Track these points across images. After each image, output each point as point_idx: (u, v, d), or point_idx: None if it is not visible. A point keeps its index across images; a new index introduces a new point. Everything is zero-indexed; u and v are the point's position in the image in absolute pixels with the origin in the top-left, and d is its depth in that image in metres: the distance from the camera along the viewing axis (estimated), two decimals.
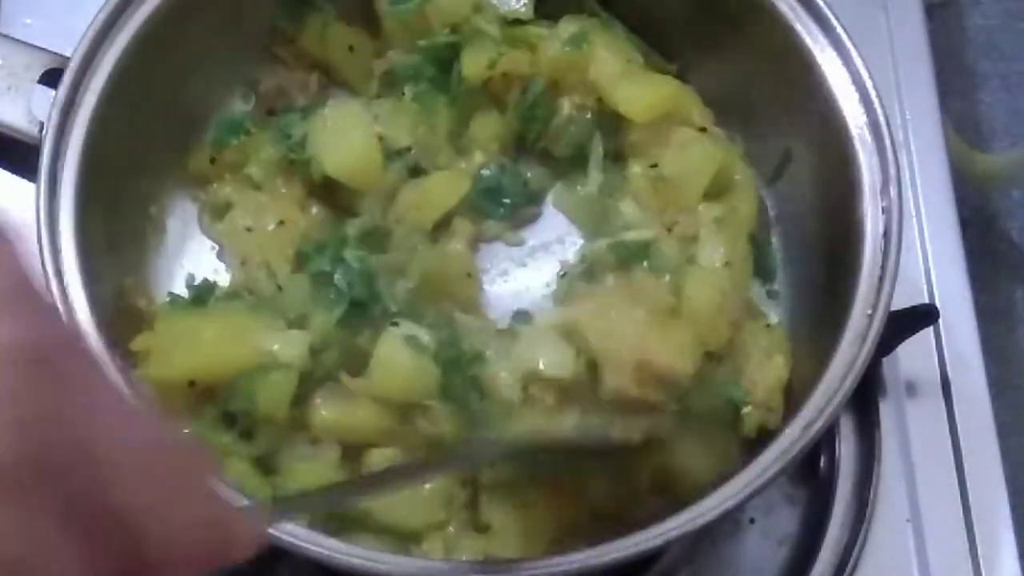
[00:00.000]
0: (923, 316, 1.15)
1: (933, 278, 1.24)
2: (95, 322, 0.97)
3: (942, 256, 1.25)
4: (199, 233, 1.15)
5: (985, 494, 1.16)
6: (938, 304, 1.23)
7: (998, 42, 1.54)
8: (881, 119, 1.05)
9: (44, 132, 1.01)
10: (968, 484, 1.16)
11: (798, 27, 1.08)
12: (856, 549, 1.13)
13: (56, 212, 0.99)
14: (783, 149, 1.14)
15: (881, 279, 1.01)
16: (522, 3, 1.13)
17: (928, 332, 1.22)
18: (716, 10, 1.14)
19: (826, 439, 1.15)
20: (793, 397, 1.02)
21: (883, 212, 1.03)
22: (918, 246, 1.25)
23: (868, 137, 1.05)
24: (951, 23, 1.53)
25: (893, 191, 1.03)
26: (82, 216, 1.00)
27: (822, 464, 1.15)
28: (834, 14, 1.08)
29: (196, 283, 1.09)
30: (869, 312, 1.00)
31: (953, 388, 1.20)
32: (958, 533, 1.15)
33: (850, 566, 1.12)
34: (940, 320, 1.21)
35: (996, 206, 1.48)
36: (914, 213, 1.26)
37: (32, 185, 1.00)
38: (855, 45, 1.07)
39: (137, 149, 1.09)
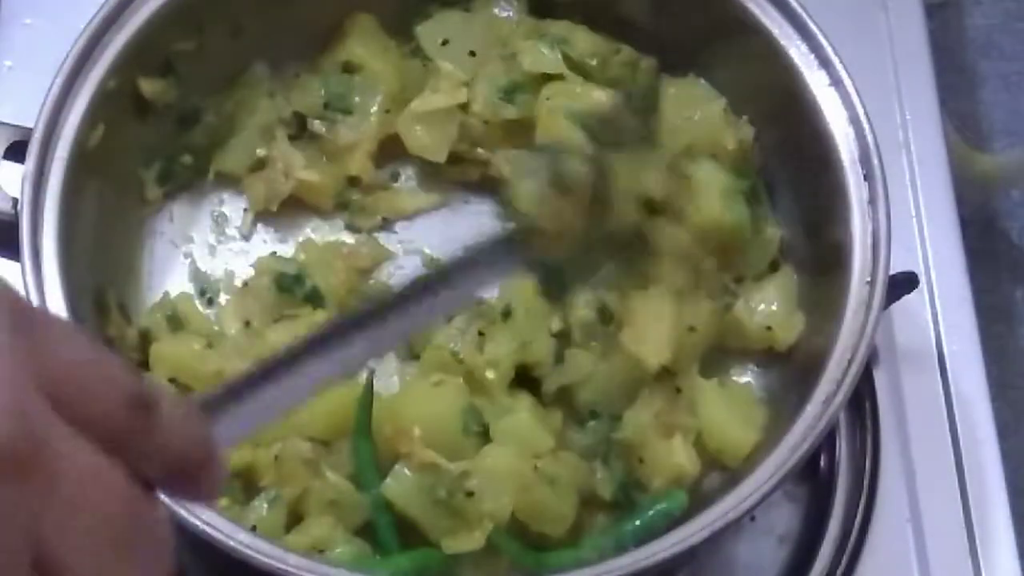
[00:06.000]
0: (903, 283, 1.14)
1: (933, 277, 1.23)
2: None
3: (942, 256, 1.25)
4: (187, 280, 1.15)
5: (985, 494, 1.16)
6: (938, 304, 1.23)
7: (998, 42, 1.54)
8: (850, 88, 1.04)
9: (19, 207, 1.00)
10: (968, 484, 1.16)
11: (750, 5, 1.08)
12: (856, 549, 1.13)
13: (43, 286, 0.98)
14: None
15: (875, 245, 1.01)
16: None
17: (928, 333, 1.22)
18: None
19: (826, 438, 1.14)
20: (804, 377, 1.02)
21: (865, 180, 1.03)
22: (918, 245, 1.25)
23: (840, 108, 1.05)
24: (951, 23, 1.53)
25: (875, 160, 1.03)
26: (69, 286, 0.99)
27: (822, 463, 1.15)
28: None
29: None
30: (868, 280, 1.00)
31: (953, 388, 1.20)
32: (958, 533, 1.15)
33: (850, 565, 1.12)
34: (940, 320, 1.21)
35: (996, 206, 1.48)
36: (914, 213, 1.26)
37: (10, 263, 1.00)
38: (810, 16, 1.07)
39: (112, 208, 1.09)
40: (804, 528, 1.14)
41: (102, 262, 1.08)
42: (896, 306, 1.15)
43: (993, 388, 1.21)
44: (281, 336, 1.06)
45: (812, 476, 1.15)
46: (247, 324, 1.09)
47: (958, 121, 1.42)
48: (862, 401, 1.17)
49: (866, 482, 1.15)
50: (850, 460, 1.16)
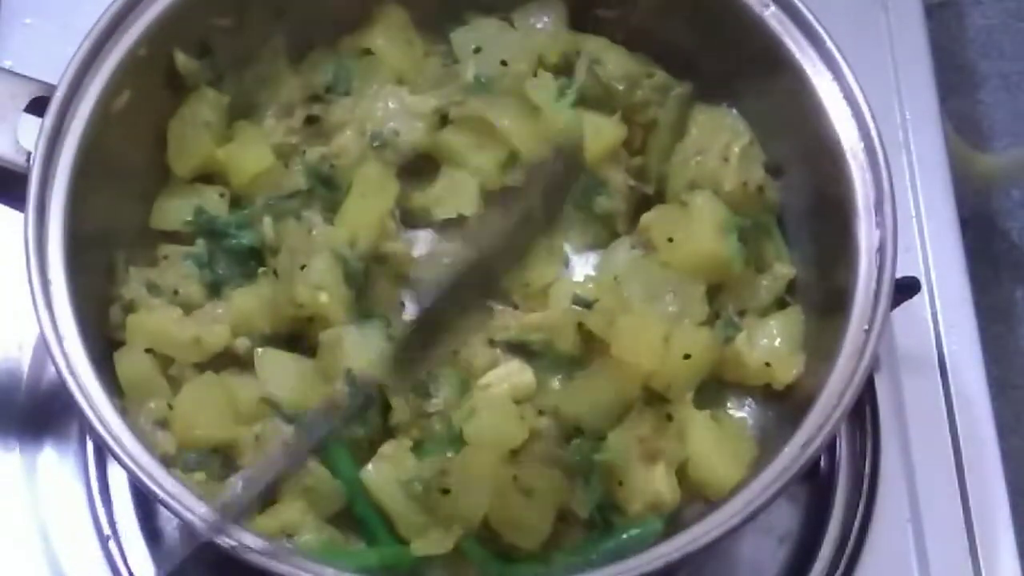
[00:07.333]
0: (905, 288, 1.13)
1: (933, 278, 1.24)
2: (84, 349, 0.97)
3: (942, 256, 1.25)
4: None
5: (985, 494, 1.16)
6: (938, 305, 1.23)
7: (998, 42, 1.54)
8: (874, 135, 1.03)
9: (32, 161, 1.01)
10: (968, 484, 1.16)
11: (788, 42, 1.07)
12: (856, 549, 1.13)
13: (45, 240, 0.99)
14: (773, 164, 1.13)
15: (877, 295, 1.00)
16: None
17: (928, 333, 1.22)
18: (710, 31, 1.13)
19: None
20: (794, 418, 1.00)
21: (877, 227, 1.02)
22: (918, 246, 1.25)
23: (861, 154, 1.04)
24: (951, 23, 1.53)
25: (887, 207, 1.02)
26: (71, 244, 1.00)
27: (822, 464, 1.15)
28: (824, 28, 1.06)
29: None
30: (866, 328, 0.99)
31: (953, 389, 1.20)
32: (958, 533, 1.15)
33: (850, 565, 1.13)
34: (940, 320, 1.22)
35: (996, 206, 1.48)
36: (914, 213, 1.27)
37: (20, 214, 1.00)
38: (847, 60, 1.05)
39: (126, 175, 1.09)
40: (804, 528, 1.14)
41: (113, 222, 1.08)
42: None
43: (993, 388, 1.21)
44: (246, 299, 1.06)
45: (812, 476, 1.15)
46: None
47: (958, 121, 1.42)
48: (862, 402, 1.17)
49: (866, 482, 1.16)
50: (850, 461, 1.17)
